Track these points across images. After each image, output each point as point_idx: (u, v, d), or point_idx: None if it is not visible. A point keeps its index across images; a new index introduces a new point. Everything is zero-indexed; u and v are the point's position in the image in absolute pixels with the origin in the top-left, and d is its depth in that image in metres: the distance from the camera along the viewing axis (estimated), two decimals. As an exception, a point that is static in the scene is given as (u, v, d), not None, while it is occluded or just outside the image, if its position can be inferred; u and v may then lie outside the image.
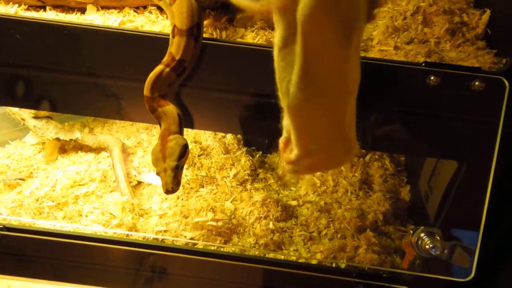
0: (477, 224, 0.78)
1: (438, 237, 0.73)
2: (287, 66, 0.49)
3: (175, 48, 0.76)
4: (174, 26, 0.77)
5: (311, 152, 0.55)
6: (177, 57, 0.76)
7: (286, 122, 0.59)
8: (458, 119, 0.77)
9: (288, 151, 0.59)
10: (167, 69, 0.76)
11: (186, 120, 0.82)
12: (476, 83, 0.70)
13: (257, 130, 0.87)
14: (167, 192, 0.73)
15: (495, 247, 0.82)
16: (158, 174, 0.75)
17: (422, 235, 0.74)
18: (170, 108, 0.77)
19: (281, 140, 0.61)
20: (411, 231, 0.79)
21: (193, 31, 0.77)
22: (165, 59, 0.77)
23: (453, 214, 0.81)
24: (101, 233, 1.07)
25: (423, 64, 0.73)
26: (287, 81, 0.50)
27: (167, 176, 0.73)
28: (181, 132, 0.78)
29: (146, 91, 0.77)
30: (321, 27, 0.43)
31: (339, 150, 0.56)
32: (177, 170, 0.74)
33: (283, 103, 0.53)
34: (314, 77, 0.46)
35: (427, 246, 0.73)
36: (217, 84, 0.82)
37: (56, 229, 1.05)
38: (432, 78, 0.71)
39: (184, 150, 0.75)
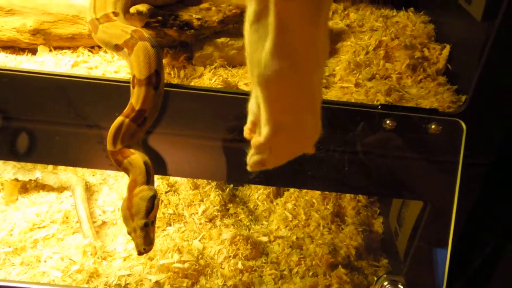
0: (442, 266, 0.76)
1: (401, 286, 0.70)
2: (259, 39, 0.50)
3: (135, 99, 0.74)
4: (133, 76, 0.75)
5: (283, 127, 0.53)
6: (137, 108, 0.74)
7: (252, 104, 0.57)
8: (419, 160, 0.75)
9: (256, 134, 0.56)
10: (127, 120, 0.74)
11: (159, 167, 0.79)
12: (433, 126, 0.69)
13: (226, 175, 0.85)
14: (140, 253, 0.70)
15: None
16: (129, 234, 0.71)
17: (385, 283, 0.71)
18: (135, 157, 0.74)
19: (246, 127, 0.58)
20: (375, 278, 0.76)
21: (151, 80, 0.74)
22: (126, 110, 0.75)
23: (419, 256, 0.79)
24: (59, 281, 1.01)
25: (379, 107, 0.71)
26: (259, 52, 0.50)
27: (137, 237, 0.69)
28: (149, 181, 0.74)
29: (108, 145, 0.74)
30: (293, 1, 0.44)
31: (309, 123, 0.55)
32: (147, 228, 0.70)
33: (253, 77, 0.52)
34: (286, 47, 0.47)
35: (390, 296, 0.70)
36: (185, 130, 0.80)
37: (11, 280, 0.99)
38: (388, 122, 0.69)
39: (152, 203, 0.71)
